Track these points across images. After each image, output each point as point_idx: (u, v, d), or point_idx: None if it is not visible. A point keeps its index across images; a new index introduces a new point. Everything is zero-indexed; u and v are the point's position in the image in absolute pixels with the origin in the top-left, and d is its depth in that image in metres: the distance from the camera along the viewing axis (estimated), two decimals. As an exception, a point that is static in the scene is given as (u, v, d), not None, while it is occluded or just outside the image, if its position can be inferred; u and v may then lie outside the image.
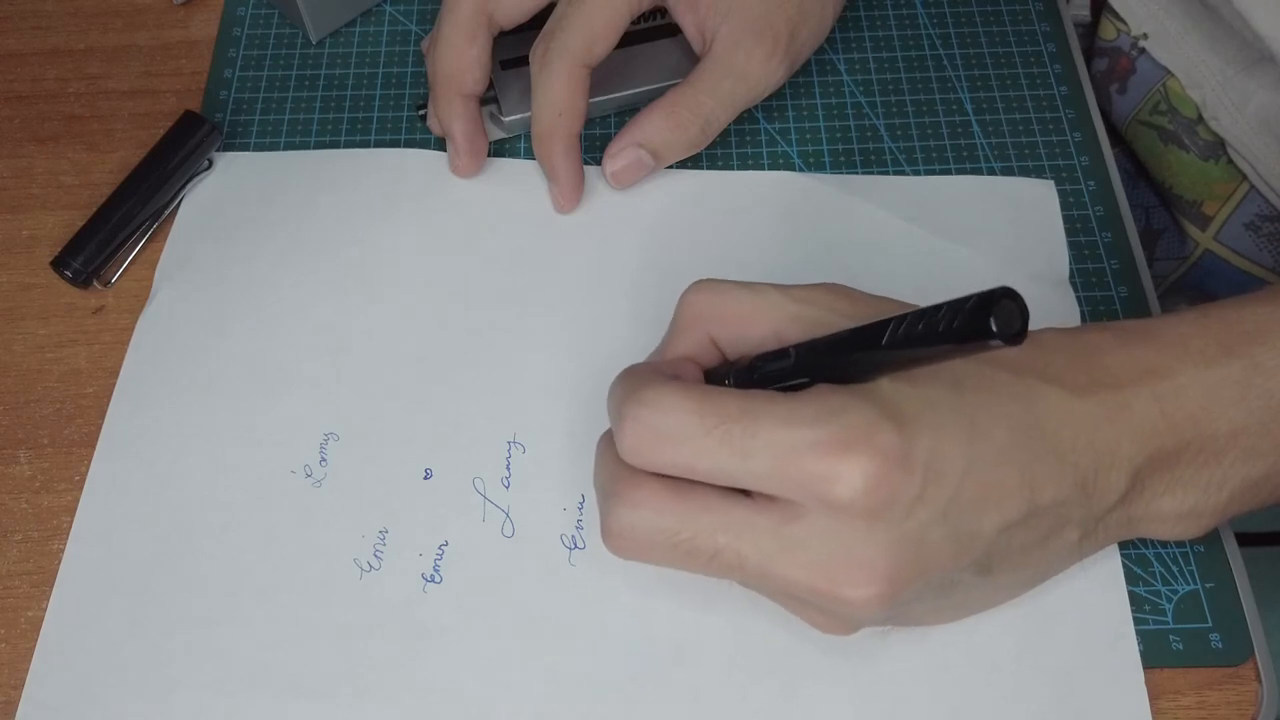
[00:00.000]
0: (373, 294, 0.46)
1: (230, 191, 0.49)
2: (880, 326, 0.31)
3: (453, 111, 0.47)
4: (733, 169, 0.50)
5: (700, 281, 0.37)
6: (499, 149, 0.51)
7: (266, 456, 0.43)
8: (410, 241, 0.48)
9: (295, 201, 0.49)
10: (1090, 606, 0.39)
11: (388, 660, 0.39)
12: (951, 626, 0.38)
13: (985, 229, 0.48)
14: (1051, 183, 0.49)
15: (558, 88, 0.45)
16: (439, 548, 0.41)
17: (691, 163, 0.49)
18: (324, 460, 0.43)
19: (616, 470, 0.34)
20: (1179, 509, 0.36)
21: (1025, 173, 0.50)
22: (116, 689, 0.38)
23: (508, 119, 0.50)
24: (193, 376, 0.44)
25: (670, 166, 0.49)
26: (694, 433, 0.32)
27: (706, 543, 0.33)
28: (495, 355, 0.45)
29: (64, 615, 0.40)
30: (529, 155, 0.50)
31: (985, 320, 0.27)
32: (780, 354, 0.34)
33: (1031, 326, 0.36)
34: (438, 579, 0.40)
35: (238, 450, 0.43)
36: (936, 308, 0.29)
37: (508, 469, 0.42)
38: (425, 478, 0.42)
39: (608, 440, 0.36)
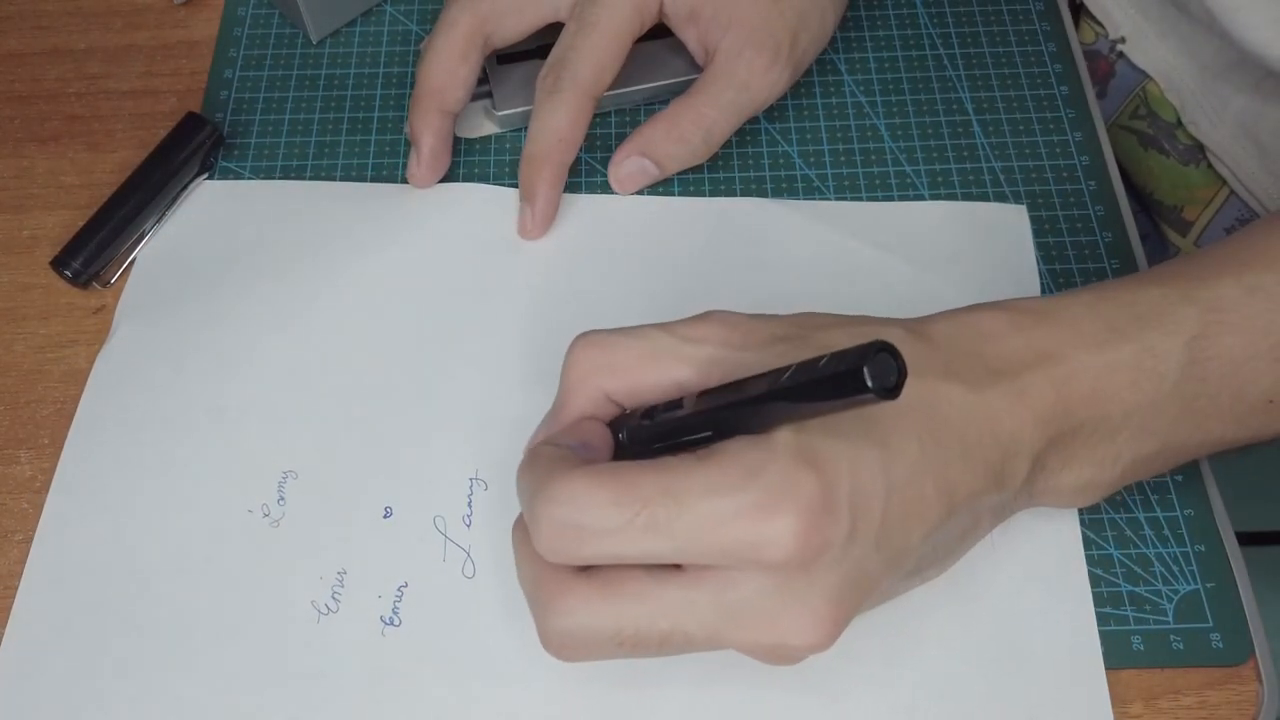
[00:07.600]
0: (332, 329, 0.45)
1: (191, 226, 0.48)
2: (760, 383, 0.31)
3: (428, 124, 0.47)
4: (734, 169, 0.50)
5: (582, 336, 0.36)
6: (475, 168, 0.51)
7: (223, 496, 0.42)
8: (371, 276, 0.47)
9: (254, 236, 0.48)
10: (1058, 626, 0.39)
11: (345, 706, 0.38)
12: (919, 665, 0.38)
13: (956, 255, 0.47)
14: (1024, 208, 0.48)
15: (563, 116, 0.45)
16: (398, 589, 0.40)
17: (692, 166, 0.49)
18: (282, 499, 0.42)
19: (540, 574, 0.33)
20: (1076, 483, 0.37)
21: (1026, 172, 0.50)
22: None
23: (501, 113, 0.50)
24: (150, 414, 0.43)
25: (649, 191, 0.49)
26: (615, 523, 0.31)
27: (650, 632, 0.32)
28: (457, 390, 0.44)
29: (13, 661, 0.39)
30: (494, 179, 0.50)
31: (860, 376, 0.27)
32: (674, 404, 0.34)
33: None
34: (396, 621, 0.39)
35: (194, 490, 0.42)
36: (814, 362, 0.29)
37: (469, 507, 0.41)
38: (385, 516, 0.41)
39: (523, 534, 0.34)
